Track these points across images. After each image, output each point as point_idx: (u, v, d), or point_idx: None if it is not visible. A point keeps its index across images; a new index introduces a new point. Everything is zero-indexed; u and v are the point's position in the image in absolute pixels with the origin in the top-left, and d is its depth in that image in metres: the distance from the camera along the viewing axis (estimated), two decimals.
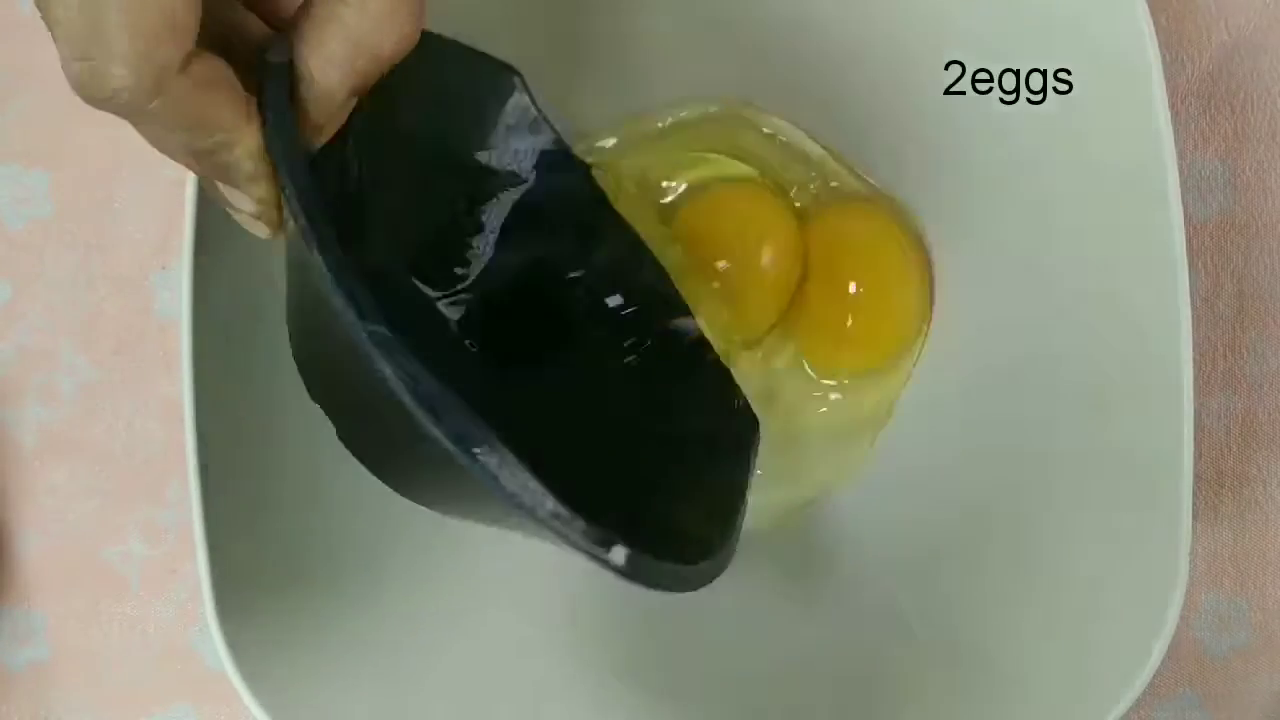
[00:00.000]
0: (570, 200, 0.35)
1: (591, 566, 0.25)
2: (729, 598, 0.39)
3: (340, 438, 0.28)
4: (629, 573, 0.25)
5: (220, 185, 0.27)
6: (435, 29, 0.37)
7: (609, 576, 0.25)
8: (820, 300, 0.40)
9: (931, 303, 0.40)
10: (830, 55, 0.39)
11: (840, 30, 0.38)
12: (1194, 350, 0.34)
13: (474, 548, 0.39)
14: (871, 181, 0.40)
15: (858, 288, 0.39)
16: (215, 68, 0.24)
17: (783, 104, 0.40)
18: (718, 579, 0.29)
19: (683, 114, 0.40)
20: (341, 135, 0.27)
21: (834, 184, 0.40)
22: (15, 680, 0.41)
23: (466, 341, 0.35)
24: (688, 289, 0.38)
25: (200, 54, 0.24)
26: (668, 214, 0.40)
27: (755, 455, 0.35)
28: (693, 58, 0.40)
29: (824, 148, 0.40)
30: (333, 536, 0.37)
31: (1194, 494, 0.33)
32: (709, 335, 0.37)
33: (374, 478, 0.37)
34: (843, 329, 0.39)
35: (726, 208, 0.40)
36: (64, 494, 0.41)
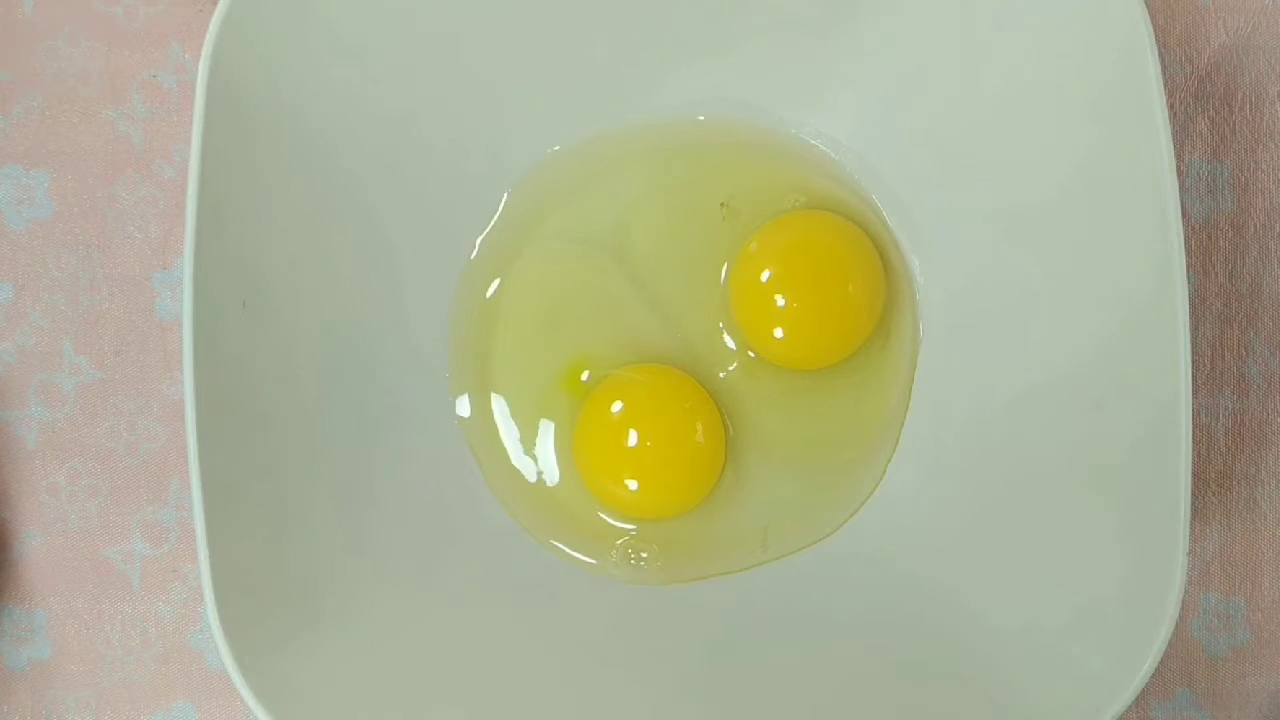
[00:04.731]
0: None
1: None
2: (741, 599, 0.39)
3: None
4: None
5: None
6: (425, 33, 0.38)
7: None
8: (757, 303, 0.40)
9: (880, 302, 0.40)
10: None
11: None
12: (1194, 351, 0.34)
13: (475, 547, 0.39)
14: (853, 189, 0.40)
15: (783, 299, 0.39)
16: None
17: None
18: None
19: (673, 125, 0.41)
20: None
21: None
22: (16, 679, 0.41)
23: None
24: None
25: None
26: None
27: None
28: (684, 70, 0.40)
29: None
30: (334, 536, 0.37)
31: (1193, 494, 0.34)
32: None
33: (374, 478, 0.37)
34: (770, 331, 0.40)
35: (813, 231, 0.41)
36: (65, 494, 0.41)
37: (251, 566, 0.35)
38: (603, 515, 0.40)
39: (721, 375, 0.40)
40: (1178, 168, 0.34)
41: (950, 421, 0.39)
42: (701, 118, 0.41)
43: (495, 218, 0.41)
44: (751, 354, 0.40)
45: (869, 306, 0.40)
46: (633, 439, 0.39)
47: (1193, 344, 0.34)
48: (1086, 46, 0.35)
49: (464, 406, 0.40)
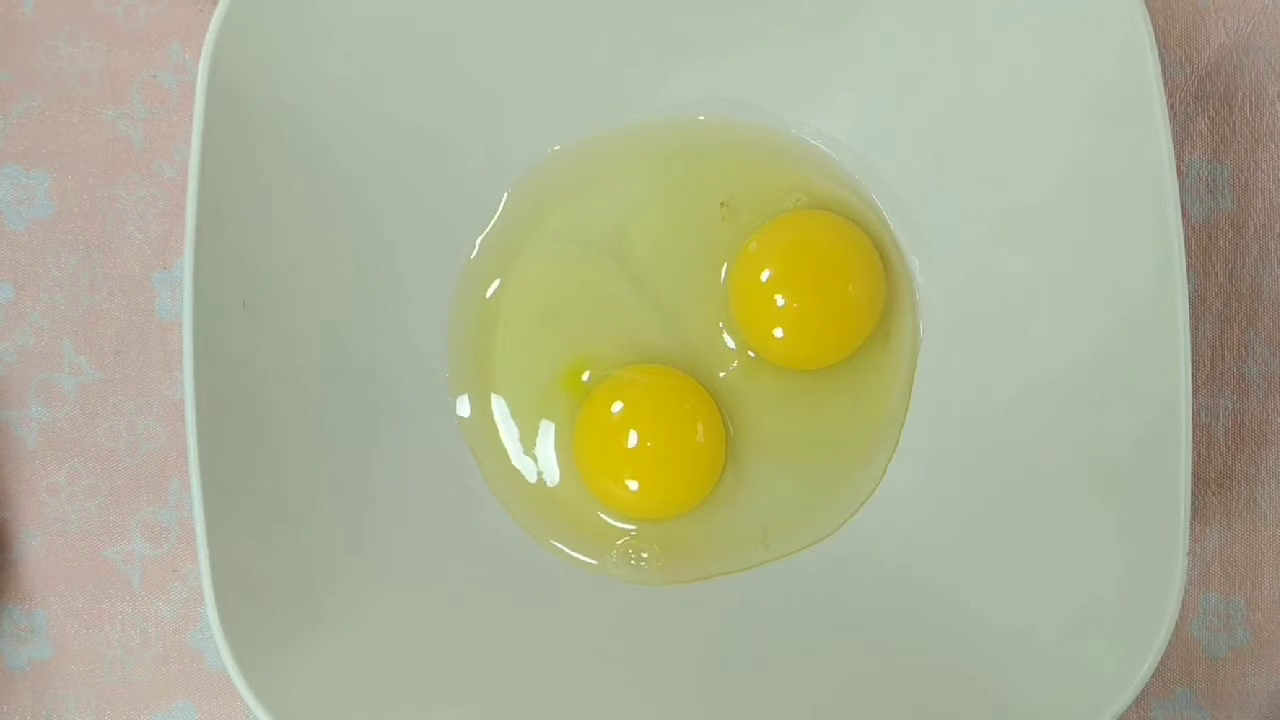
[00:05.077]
0: None
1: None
2: (741, 600, 0.39)
3: None
4: None
5: None
6: (425, 33, 0.38)
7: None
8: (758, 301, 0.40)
9: (880, 302, 0.40)
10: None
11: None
12: (1193, 351, 0.34)
13: (475, 547, 0.39)
14: (852, 188, 0.40)
15: (783, 298, 0.39)
16: None
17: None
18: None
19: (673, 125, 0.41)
20: None
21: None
22: (16, 679, 0.41)
23: None
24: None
25: None
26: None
27: None
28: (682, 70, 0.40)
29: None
30: (334, 536, 0.37)
31: (1193, 494, 0.33)
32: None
33: (374, 478, 0.37)
34: (769, 330, 0.40)
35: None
36: (65, 494, 0.41)
37: (251, 566, 0.35)
38: (603, 515, 0.40)
39: (722, 375, 0.40)
40: (1178, 168, 0.34)
41: (950, 421, 0.39)
42: (701, 118, 0.41)
43: (495, 218, 0.41)
44: (751, 354, 0.40)
45: (869, 306, 0.40)
46: (633, 439, 0.39)
47: (1193, 344, 0.34)
48: (1087, 47, 0.35)
49: (464, 406, 0.40)
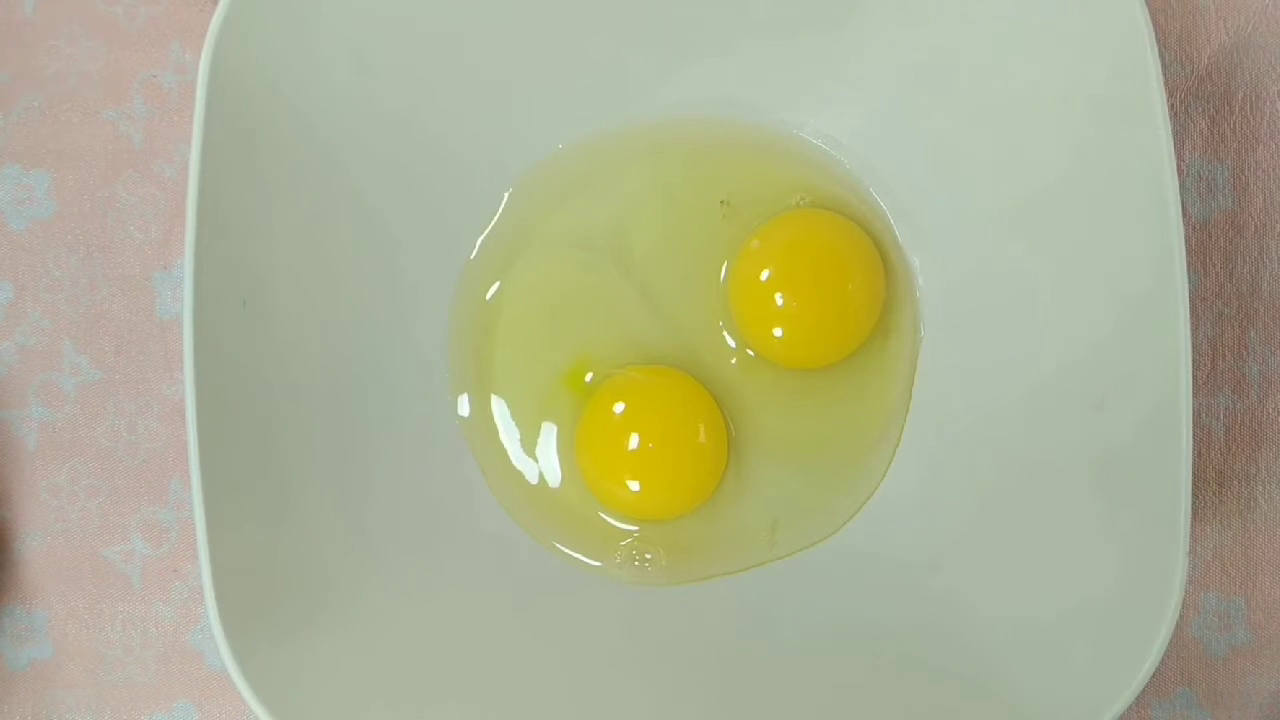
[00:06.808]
0: None
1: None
2: (744, 599, 0.39)
3: None
4: None
5: None
6: (426, 33, 0.38)
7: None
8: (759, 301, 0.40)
9: (880, 302, 0.40)
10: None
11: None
12: (1193, 350, 0.34)
13: (476, 548, 0.39)
14: (853, 188, 0.40)
15: (782, 296, 0.39)
16: None
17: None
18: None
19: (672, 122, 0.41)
20: None
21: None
22: (17, 679, 0.41)
23: None
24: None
25: None
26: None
27: None
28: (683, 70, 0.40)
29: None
30: (333, 536, 0.37)
31: (1193, 494, 0.33)
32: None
33: (374, 478, 0.37)
34: (769, 330, 0.40)
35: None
36: (66, 493, 0.41)
37: (252, 566, 0.35)
38: (605, 517, 0.40)
39: (723, 375, 0.40)
40: (1177, 168, 0.34)
41: (951, 421, 0.39)
42: (702, 117, 0.41)
43: (496, 218, 0.41)
44: (751, 353, 0.40)
45: (869, 305, 0.40)
46: (635, 440, 0.39)
47: (1192, 343, 0.34)
48: (1087, 45, 0.35)
49: (464, 406, 0.40)
